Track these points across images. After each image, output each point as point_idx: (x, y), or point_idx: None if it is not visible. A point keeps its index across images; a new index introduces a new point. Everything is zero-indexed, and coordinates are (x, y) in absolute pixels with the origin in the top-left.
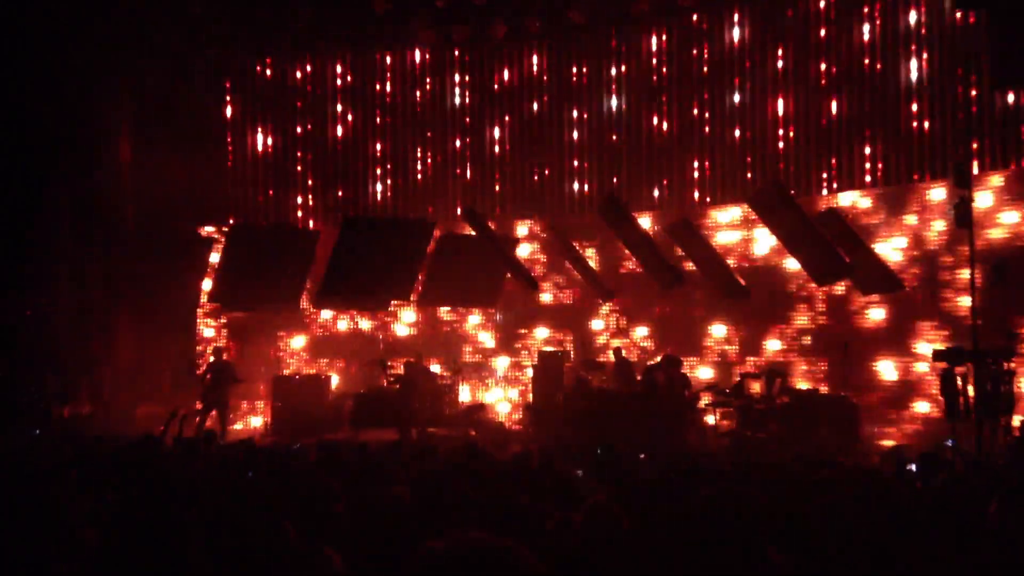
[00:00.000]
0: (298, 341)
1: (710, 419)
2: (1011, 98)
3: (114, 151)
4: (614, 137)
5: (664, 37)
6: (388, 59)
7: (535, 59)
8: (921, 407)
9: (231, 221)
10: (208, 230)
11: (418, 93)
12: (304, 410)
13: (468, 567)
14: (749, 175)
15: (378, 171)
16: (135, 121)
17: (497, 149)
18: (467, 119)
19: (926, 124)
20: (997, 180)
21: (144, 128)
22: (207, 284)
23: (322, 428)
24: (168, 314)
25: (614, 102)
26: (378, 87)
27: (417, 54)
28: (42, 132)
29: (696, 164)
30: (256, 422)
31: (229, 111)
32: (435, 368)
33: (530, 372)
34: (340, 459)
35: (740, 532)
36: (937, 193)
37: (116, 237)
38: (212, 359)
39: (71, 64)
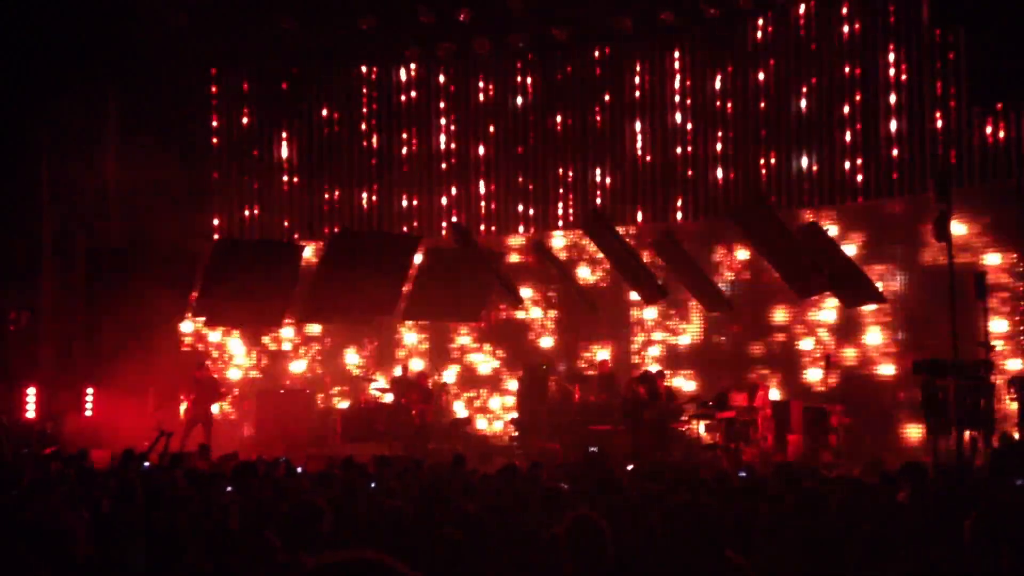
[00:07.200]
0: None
1: (696, 431)
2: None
3: (100, 163)
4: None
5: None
6: (373, 74)
7: (518, 78)
8: (903, 419)
9: (216, 236)
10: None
11: (404, 108)
12: (289, 424)
13: None
14: (731, 189)
15: (364, 185)
16: (121, 133)
17: (483, 164)
18: (453, 131)
19: (905, 139)
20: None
21: (130, 140)
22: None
23: (307, 442)
24: (153, 329)
25: (598, 117)
26: (364, 102)
27: (403, 71)
28: (27, 143)
29: (678, 178)
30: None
31: (215, 123)
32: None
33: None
34: (331, 473)
35: (717, 543)
36: (917, 207)
37: (101, 250)
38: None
39: (58, 74)
